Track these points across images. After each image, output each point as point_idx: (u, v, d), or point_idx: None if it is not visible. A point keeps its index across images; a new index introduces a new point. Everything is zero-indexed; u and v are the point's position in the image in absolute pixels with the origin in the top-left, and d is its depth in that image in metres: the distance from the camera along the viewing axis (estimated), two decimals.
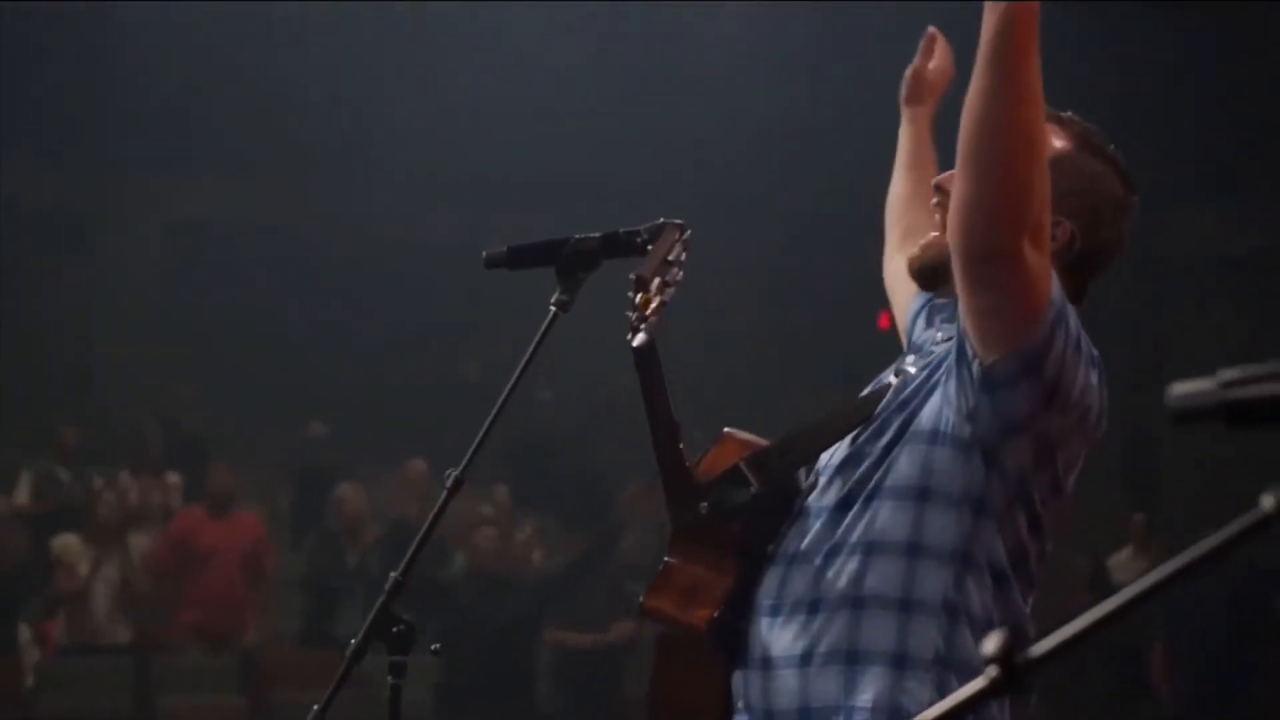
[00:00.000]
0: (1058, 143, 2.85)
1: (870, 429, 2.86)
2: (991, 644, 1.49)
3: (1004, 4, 2.58)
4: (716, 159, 13.04)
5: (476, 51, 12.91)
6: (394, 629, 2.92)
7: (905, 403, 2.84)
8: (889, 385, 2.93)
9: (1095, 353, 2.78)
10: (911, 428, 2.80)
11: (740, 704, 2.86)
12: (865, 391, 2.99)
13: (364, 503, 10.79)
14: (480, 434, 2.95)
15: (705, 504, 2.88)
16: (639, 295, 2.78)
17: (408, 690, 2.99)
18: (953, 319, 2.84)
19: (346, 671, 2.93)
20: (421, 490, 10.87)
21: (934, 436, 2.77)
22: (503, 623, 9.79)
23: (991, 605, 2.75)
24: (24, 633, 10.01)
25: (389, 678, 2.97)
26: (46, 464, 11.66)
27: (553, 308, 2.96)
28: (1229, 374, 1.45)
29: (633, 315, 2.78)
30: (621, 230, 2.98)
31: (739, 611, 2.87)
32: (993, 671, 1.50)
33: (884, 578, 2.75)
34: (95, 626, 10.23)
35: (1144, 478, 12.03)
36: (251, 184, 14.27)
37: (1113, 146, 2.93)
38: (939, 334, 2.96)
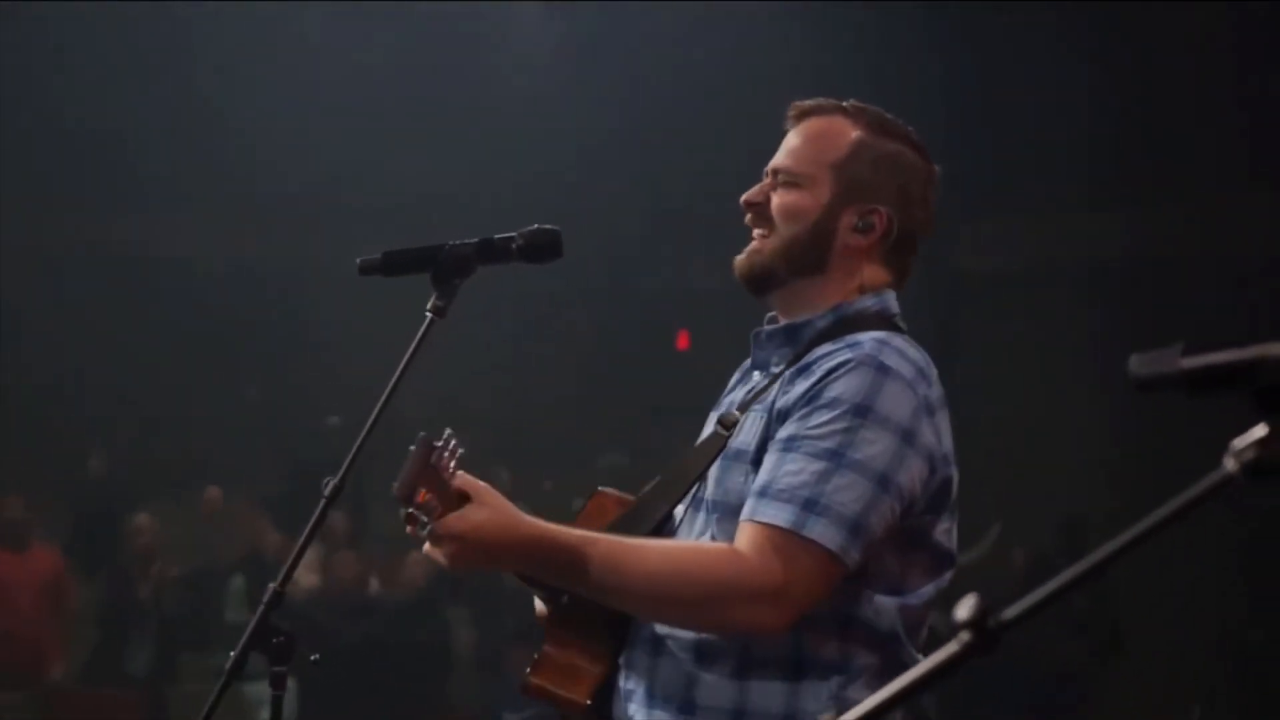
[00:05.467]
0: (852, 132, 2.90)
1: (712, 493, 2.84)
2: (964, 609, 1.54)
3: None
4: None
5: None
6: (274, 639, 2.90)
7: (741, 457, 2.82)
8: (719, 434, 2.90)
9: (892, 418, 2.69)
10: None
11: None
12: (703, 438, 2.97)
13: (159, 533, 10.63)
14: (357, 443, 2.94)
15: (566, 597, 2.89)
16: (404, 511, 2.73)
17: None
18: (783, 348, 2.87)
19: (227, 684, 2.90)
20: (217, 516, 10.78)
21: None
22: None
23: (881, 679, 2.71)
24: None
25: (269, 689, 2.94)
26: None
27: (429, 314, 2.97)
28: (1190, 342, 1.52)
29: (417, 529, 2.73)
30: (496, 236, 3.01)
31: (609, 697, 2.88)
32: (966, 636, 1.55)
33: (765, 694, 2.73)
34: None
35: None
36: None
37: (902, 122, 2.95)
38: (774, 364, 2.90)
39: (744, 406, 2.88)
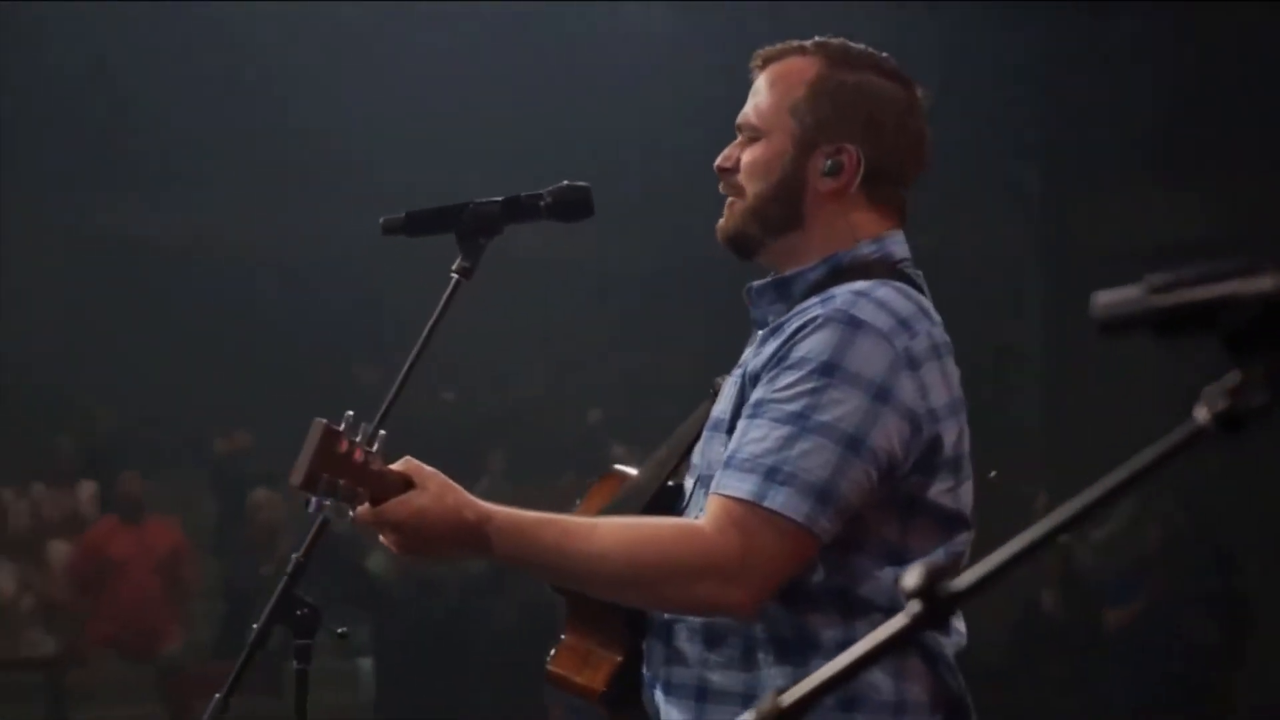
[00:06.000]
0: (809, 70, 2.70)
1: (698, 465, 2.71)
2: (912, 577, 1.40)
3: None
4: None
5: (387, 53, 12.78)
6: (297, 612, 2.81)
7: (719, 426, 2.68)
8: (710, 402, 2.77)
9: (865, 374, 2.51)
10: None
11: None
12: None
13: (281, 508, 10.61)
14: (385, 405, 2.85)
15: None
16: (310, 499, 2.61)
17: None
18: (776, 304, 2.69)
19: (250, 656, 2.82)
20: None
21: None
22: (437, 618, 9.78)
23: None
24: None
25: (293, 662, 2.86)
26: None
27: (454, 275, 2.86)
28: (1156, 279, 1.36)
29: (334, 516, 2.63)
30: (523, 194, 2.88)
31: (630, 685, 2.75)
32: (915, 607, 1.41)
33: (774, 678, 2.57)
34: (13, 640, 10.04)
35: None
36: (164, 191, 14.05)
37: (871, 49, 2.74)
38: (771, 322, 2.70)
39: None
